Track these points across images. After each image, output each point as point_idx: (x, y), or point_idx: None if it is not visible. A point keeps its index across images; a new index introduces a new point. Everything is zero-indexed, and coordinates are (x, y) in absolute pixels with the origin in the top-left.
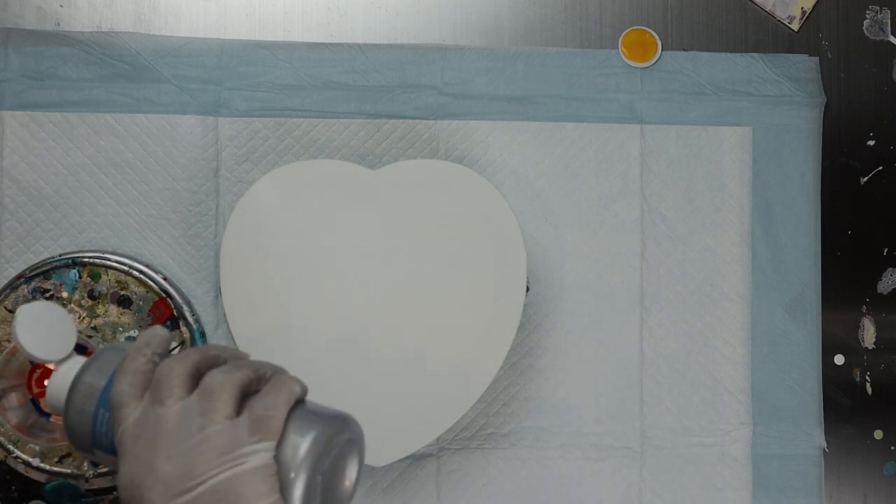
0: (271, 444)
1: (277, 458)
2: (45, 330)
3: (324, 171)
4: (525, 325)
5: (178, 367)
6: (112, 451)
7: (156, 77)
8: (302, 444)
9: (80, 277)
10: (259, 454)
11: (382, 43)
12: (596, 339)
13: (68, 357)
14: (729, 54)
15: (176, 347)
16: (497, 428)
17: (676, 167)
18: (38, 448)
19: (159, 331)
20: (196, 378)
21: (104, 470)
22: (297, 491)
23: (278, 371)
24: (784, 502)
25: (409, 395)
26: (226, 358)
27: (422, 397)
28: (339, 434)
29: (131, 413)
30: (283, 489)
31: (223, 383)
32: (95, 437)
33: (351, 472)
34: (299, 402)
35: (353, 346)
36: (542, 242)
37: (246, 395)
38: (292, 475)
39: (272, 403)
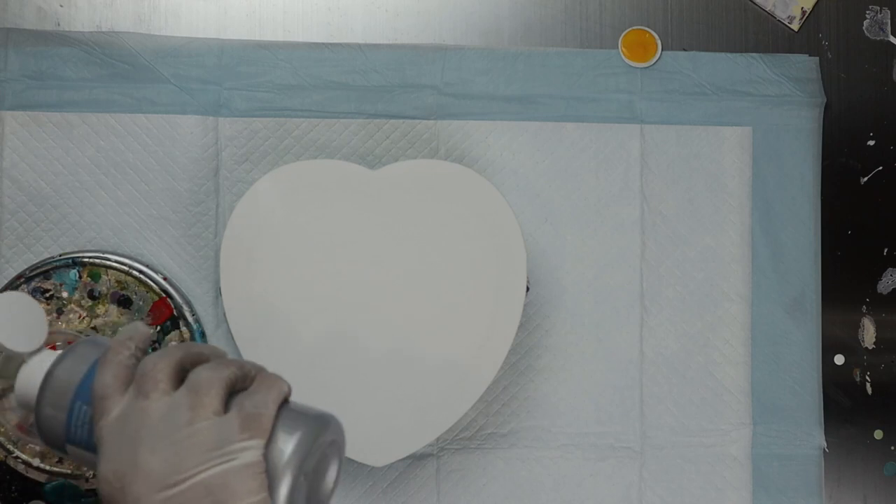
0: (261, 442)
1: (265, 456)
2: (16, 320)
3: (324, 171)
4: (525, 325)
5: (162, 362)
6: (87, 445)
7: (156, 77)
8: (289, 444)
9: (80, 277)
10: (249, 451)
11: (382, 43)
12: (596, 339)
13: (38, 350)
14: (729, 54)
15: None
16: (497, 428)
17: (676, 167)
18: (38, 448)
19: (141, 327)
20: (180, 374)
21: None
22: (283, 490)
23: (261, 369)
24: (784, 502)
25: (409, 395)
26: (208, 355)
27: (422, 397)
28: (324, 434)
29: (114, 406)
30: (270, 488)
31: (211, 379)
32: (70, 431)
33: (332, 473)
34: (284, 401)
35: (353, 346)
36: (542, 242)
37: (231, 392)
38: (279, 474)
39: (262, 401)
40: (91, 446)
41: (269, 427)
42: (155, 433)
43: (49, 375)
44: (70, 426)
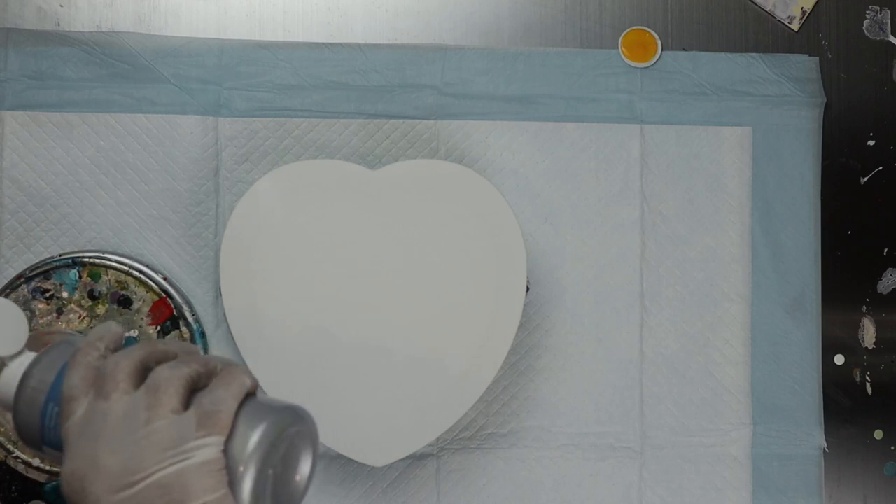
0: (220, 439)
1: (227, 452)
2: None
3: (324, 171)
4: (525, 325)
5: (123, 362)
6: (60, 447)
7: (156, 77)
8: (251, 438)
9: (80, 277)
10: (206, 449)
11: (382, 43)
12: (596, 339)
13: (20, 353)
14: (729, 54)
15: None
16: (497, 428)
17: (676, 167)
18: None
19: (113, 326)
20: (143, 373)
21: None
22: (247, 485)
23: (229, 364)
24: (784, 502)
25: (409, 395)
26: (175, 353)
27: (422, 397)
28: (290, 426)
29: (79, 407)
30: (233, 483)
31: (169, 378)
32: (44, 432)
33: (304, 466)
34: (250, 395)
35: (352, 346)
36: (542, 242)
37: (195, 389)
38: (241, 469)
39: (220, 397)
40: (62, 447)
41: (228, 423)
42: (114, 434)
43: (24, 378)
44: (44, 428)
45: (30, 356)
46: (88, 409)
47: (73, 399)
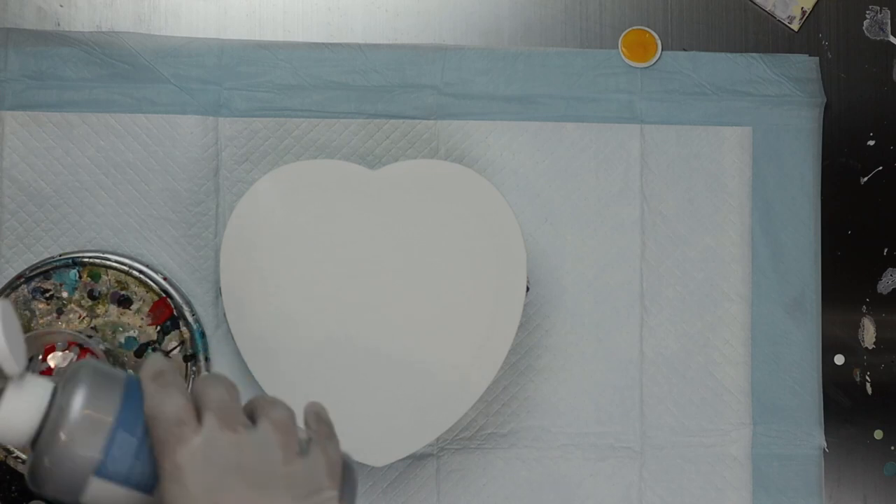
0: (337, 493)
1: None
2: (9, 333)
3: (324, 171)
4: (525, 325)
5: (232, 393)
6: (126, 479)
7: (156, 77)
8: (346, 494)
9: (80, 277)
10: (333, 500)
11: (382, 43)
12: (596, 339)
13: (22, 375)
14: (729, 54)
15: (176, 347)
16: (497, 428)
17: (676, 167)
18: None
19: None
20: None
21: None
22: None
23: None
24: (784, 502)
25: (409, 395)
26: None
27: (422, 397)
28: (357, 484)
29: (193, 433)
30: None
31: (289, 419)
32: (106, 463)
33: None
34: None
35: (352, 346)
36: (542, 242)
37: None
38: None
39: (337, 450)
40: (131, 480)
41: (341, 475)
42: (252, 467)
43: (66, 407)
44: (107, 459)
45: (41, 383)
46: (212, 437)
47: (185, 424)
